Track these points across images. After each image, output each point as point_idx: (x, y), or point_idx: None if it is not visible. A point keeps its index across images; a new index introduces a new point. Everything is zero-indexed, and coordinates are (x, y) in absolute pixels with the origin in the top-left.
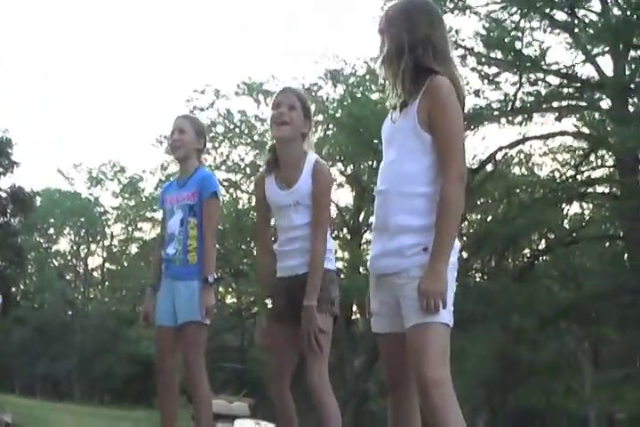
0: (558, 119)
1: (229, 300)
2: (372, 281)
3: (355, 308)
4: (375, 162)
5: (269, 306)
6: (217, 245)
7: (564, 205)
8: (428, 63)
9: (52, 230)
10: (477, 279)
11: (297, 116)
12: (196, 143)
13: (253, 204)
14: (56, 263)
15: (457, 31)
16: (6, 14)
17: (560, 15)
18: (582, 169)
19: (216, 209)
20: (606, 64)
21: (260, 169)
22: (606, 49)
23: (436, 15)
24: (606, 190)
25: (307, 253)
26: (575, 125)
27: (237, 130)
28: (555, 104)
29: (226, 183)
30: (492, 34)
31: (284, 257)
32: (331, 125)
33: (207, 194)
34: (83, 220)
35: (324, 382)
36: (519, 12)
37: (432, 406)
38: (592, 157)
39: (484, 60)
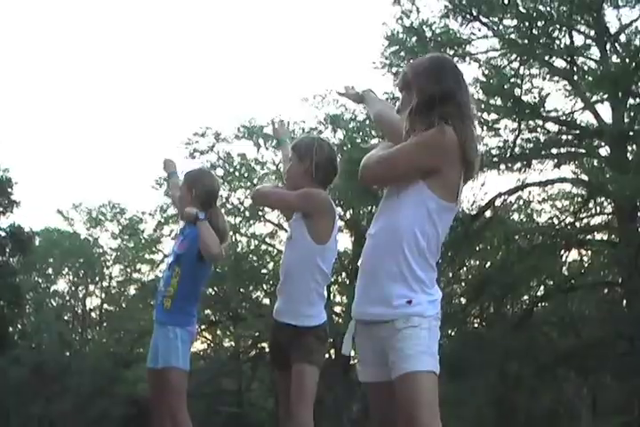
0: (557, 166)
1: (227, 343)
2: (354, 324)
3: (352, 353)
4: (374, 207)
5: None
6: (215, 288)
7: (562, 251)
8: (449, 118)
9: (50, 270)
10: (476, 326)
11: (291, 168)
12: (191, 200)
13: (252, 247)
14: (54, 303)
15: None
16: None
17: (559, 62)
18: (581, 216)
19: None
20: (605, 111)
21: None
22: (605, 96)
23: (460, 73)
24: (605, 237)
25: (290, 298)
26: (574, 172)
27: (237, 173)
28: (554, 151)
29: None
30: (491, 81)
31: (278, 296)
32: None
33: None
34: (81, 260)
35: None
36: (519, 59)
37: None
38: (591, 204)
39: (483, 106)
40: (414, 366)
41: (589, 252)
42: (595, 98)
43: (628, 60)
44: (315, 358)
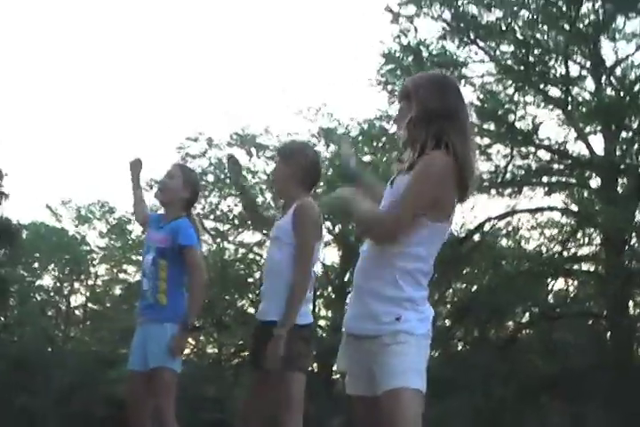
0: (547, 194)
1: (210, 350)
2: (345, 339)
3: (335, 367)
4: None
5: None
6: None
7: (549, 279)
8: (448, 136)
9: (36, 265)
10: (459, 348)
11: (276, 172)
12: (181, 191)
13: (239, 255)
14: (39, 298)
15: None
16: None
17: (554, 91)
18: (569, 246)
19: (194, 257)
20: (598, 143)
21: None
22: (598, 128)
23: (461, 93)
24: (592, 269)
25: (276, 296)
26: (564, 202)
27: (228, 180)
28: (545, 179)
29: (213, 232)
30: (485, 105)
31: (263, 296)
32: (321, 183)
33: (181, 245)
34: (68, 257)
35: None
36: (514, 85)
37: None
38: (579, 235)
39: (476, 130)
40: (399, 383)
41: (576, 282)
42: (588, 129)
43: (622, 94)
44: (301, 364)
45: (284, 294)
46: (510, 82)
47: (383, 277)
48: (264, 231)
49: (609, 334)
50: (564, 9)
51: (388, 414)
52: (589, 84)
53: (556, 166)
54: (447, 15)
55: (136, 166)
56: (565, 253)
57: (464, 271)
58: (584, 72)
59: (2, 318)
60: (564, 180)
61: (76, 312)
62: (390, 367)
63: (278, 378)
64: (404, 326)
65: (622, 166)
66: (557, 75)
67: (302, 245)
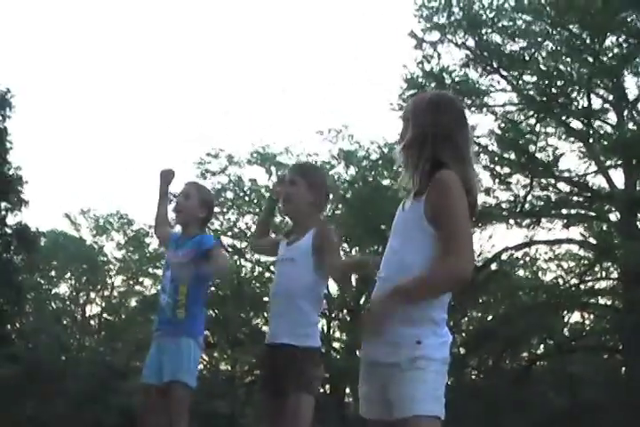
0: (566, 226)
1: (223, 366)
2: (362, 367)
3: (348, 391)
4: (381, 247)
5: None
6: (216, 311)
7: (565, 312)
8: (445, 158)
9: (53, 273)
10: (473, 377)
11: (297, 190)
12: (198, 211)
13: (256, 273)
14: (54, 306)
15: (472, 128)
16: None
17: (576, 123)
18: (586, 279)
19: (221, 251)
20: (618, 177)
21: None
22: (619, 162)
23: (462, 114)
24: (609, 302)
25: (288, 319)
26: (582, 234)
27: (247, 198)
28: (564, 211)
29: (230, 250)
30: (506, 134)
31: (273, 319)
32: (340, 205)
33: (208, 247)
34: (85, 266)
35: None
36: (535, 115)
37: None
38: (597, 268)
39: (496, 159)
40: (417, 411)
41: (592, 315)
42: (608, 162)
43: None
44: (312, 387)
45: (296, 318)
46: (532, 112)
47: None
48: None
49: (624, 369)
50: (588, 41)
51: None
52: (611, 117)
53: (575, 199)
54: (471, 43)
55: (167, 177)
56: (582, 286)
57: (480, 300)
58: (606, 105)
59: (17, 325)
60: (583, 212)
61: (91, 322)
62: (408, 394)
63: (295, 400)
64: (424, 352)
65: None
66: (579, 107)
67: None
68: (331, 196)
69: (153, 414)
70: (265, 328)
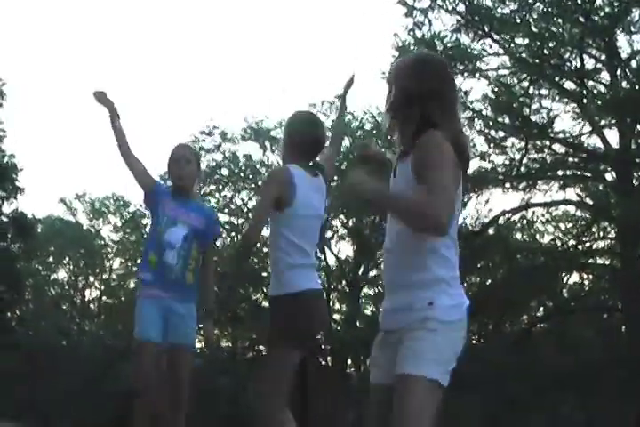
0: (562, 188)
1: (224, 344)
2: (379, 337)
3: (350, 361)
4: (377, 217)
5: None
6: (216, 288)
7: (564, 273)
8: (432, 117)
9: (51, 259)
10: (474, 342)
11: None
12: (197, 174)
13: (254, 249)
14: (53, 292)
15: (466, 93)
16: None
17: (569, 84)
18: (584, 239)
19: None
20: (613, 136)
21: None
22: (613, 121)
23: (446, 72)
24: (607, 262)
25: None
26: (579, 195)
27: (242, 174)
28: (559, 172)
29: (227, 226)
30: (500, 98)
31: None
32: (335, 177)
33: (215, 235)
34: (82, 251)
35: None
36: (529, 78)
37: None
38: (594, 228)
39: (491, 123)
40: (416, 370)
41: (591, 276)
42: (603, 122)
43: (637, 87)
44: (285, 333)
45: (274, 268)
46: (525, 75)
47: (412, 263)
48: None
49: (624, 328)
50: (579, 1)
51: (397, 400)
52: (605, 76)
53: (570, 160)
54: (461, 8)
55: (103, 98)
56: (580, 247)
57: (478, 265)
58: (599, 65)
59: (17, 312)
60: (578, 173)
61: (91, 306)
62: (411, 352)
63: (272, 347)
64: (435, 313)
65: (637, 160)
66: (572, 68)
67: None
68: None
69: (155, 371)
70: (265, 304)
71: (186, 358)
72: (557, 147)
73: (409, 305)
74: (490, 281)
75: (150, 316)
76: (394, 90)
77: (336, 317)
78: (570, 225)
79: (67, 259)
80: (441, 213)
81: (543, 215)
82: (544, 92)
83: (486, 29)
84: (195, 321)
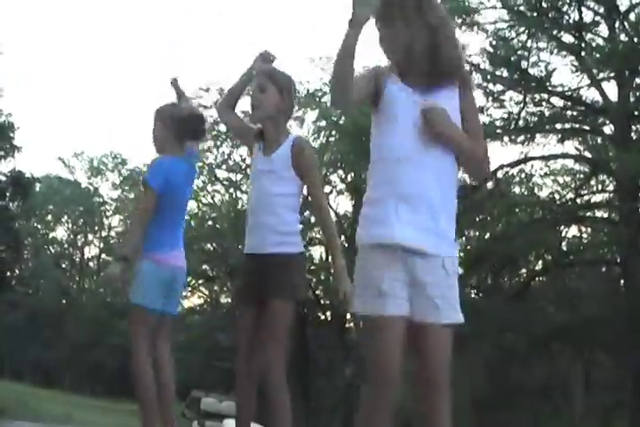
0: (561, 141)
1: (224, 299)
2: (384, 256)
3: (349, 316)
4: None
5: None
6: (214, 244)
7: (562, 227)
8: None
9: (49, 217)
10: (472, 296)
11: (267, 98)
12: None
13: None
14: (52, 251)
15: (464, 47)
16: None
17: (567, 38)
18: (582, 192)
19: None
20: (611, 89)
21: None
22: (612, 74)
23: None
24: (605, 215)
25: (280, 230)
26: (577, 148)
27: None
28: (558, 126)
29: (226, 183)
30: (498, 52)
31: (255, 231)
32: (333, 132)
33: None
34: (81, 209)
35: (278, 371)
36: (527, 31)
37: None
38: (593, 182)
39: (489, 77)
40: (458, 319)
41: (589, 229)
42: (601, 75)
43: (636, 39)
44: (297, 293)
45: (281, 227)
46: (523, 28)
47: (448, 187)
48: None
49: (622, 281)
50: None
51: (443, 348)
52: (603, 29)
53: (569, 113)
54: None
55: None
56: (579, 201)
57: (477, 219)
58: (597, 18)
59: (16, 271)
60: (577, 126)
61: (90, 264)
62: (451, 300)
63: (279, 306)
64: (456, 252)
65: (636, 113)
66: (570, 21)
67: (318, 181)
68: (295, 103)
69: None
70: None
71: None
72: (556, 100)
73: (444, 232)
74: (488, 235)
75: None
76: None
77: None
78: (568, 178)
79: (65, 217)
80: (489, 164)
81: (541, 169)
82: (542, 45)
83: None
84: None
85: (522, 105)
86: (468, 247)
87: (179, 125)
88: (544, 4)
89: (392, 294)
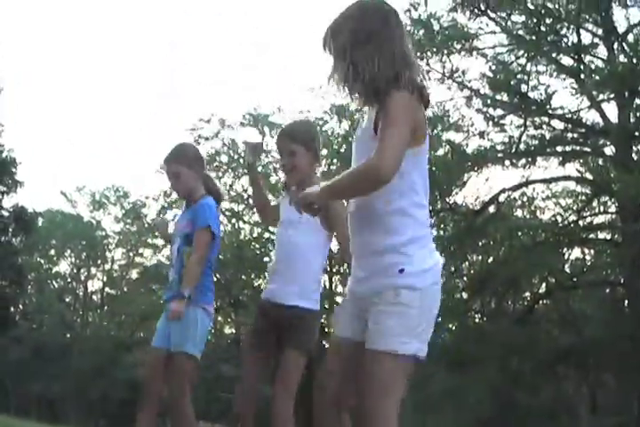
0: (562, 164)
1: (227, 330)
2: (345, 301)
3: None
4: None
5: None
6: (217, 275)
7: (565, 249)
8: (385, 69)
9: (52, 252)
10: (477, 320)
11: (299, 160)
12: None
13: (255, 235)
14: (56, 285)
15: (463, 72)
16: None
17: (566, 60)
18: (584, 214)
19: (204, 238)
20: (611, 110)
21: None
22: (612, 96)
23: (391, 14)
24: (608, 237)
25: (298, 280)
26: (578, 171)
27: (241, 160)
28: (559, 149)
29: (228, 213)
30: (498, 76)
31: (280, 280)
32: (335, 160)
33: (199, 228)
34: (84, 243)
35: (287, 415)
36: (526, 55)
37: None
38: (594, 203)
39: (489, 102)
40: (388, 346)
41: (592, 250)
42: (601, 97)
43: (635, 60)
44: (310, 349)
45: (305, 280)
46: (522, 52)
47: (381, 224)
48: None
49: (627, 302)
50: None
51: (366, 375)
52: (602, 51)
53: (569, 135)
54: None
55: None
56: (581, 222)
57: (480, 243)
58: (596, 40)
59: (20, 306)
60: (578, 148)
61: (94, 297)
62: (385, 328)
63: (293, 358)
64: (407, 281)
65: (637, 133)
66: (569, 43)
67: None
68: (321, 144)
69: (159, 376)
70: None
71: (175, 364)
72: (556, 123)
73: (380, 270)
74: (491, 259)
75: (160, 324)
76: (335, 60)
77: (339, 299)
78: (570, 201)
79: (68, 251)
80: (384, 166)
81: (543, 192)
82: (541, 68)
83: (482, 8)
84: (193, 325)
85: (522, 128)
86: (472, 271)
87: (201, 163)
88: (543, 28)
89: None
